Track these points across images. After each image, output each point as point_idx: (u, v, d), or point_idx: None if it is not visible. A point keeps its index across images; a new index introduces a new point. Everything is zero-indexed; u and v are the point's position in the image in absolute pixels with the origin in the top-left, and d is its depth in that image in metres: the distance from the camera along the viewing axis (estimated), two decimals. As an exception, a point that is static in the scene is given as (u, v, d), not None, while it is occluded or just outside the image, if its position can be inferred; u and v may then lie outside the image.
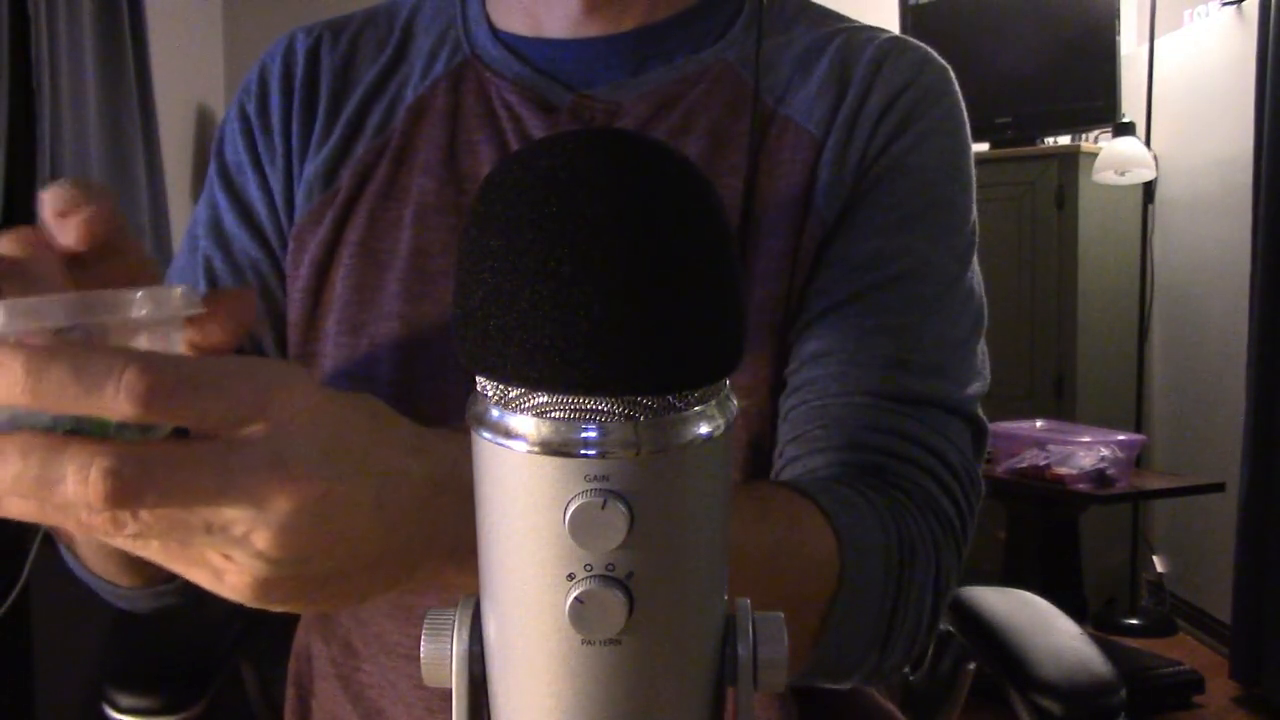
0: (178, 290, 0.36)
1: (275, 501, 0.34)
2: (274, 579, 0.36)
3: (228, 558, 0.35)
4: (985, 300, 0.72)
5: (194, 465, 0.33)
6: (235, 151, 0.76)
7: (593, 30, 0.74)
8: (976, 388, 0.68)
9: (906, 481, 0.63)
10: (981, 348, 0.71)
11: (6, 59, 2.41)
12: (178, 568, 0.37)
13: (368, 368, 0.69)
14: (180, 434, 0.34)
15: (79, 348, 0.32)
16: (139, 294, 0.35)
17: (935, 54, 0.75)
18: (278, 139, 0.75)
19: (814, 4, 0.79)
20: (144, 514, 0.33)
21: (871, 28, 0.76)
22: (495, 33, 0.76)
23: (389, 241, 0.71)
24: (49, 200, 0.39)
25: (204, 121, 3.53)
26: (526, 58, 0.75)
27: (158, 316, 0.36)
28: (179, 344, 0.38)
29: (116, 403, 0.31)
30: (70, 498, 0.32)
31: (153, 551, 0.36)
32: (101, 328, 0.35)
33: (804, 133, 0.70)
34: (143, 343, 0.36)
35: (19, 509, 0.33)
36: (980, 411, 0.69)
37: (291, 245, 0.73)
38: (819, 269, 0.67)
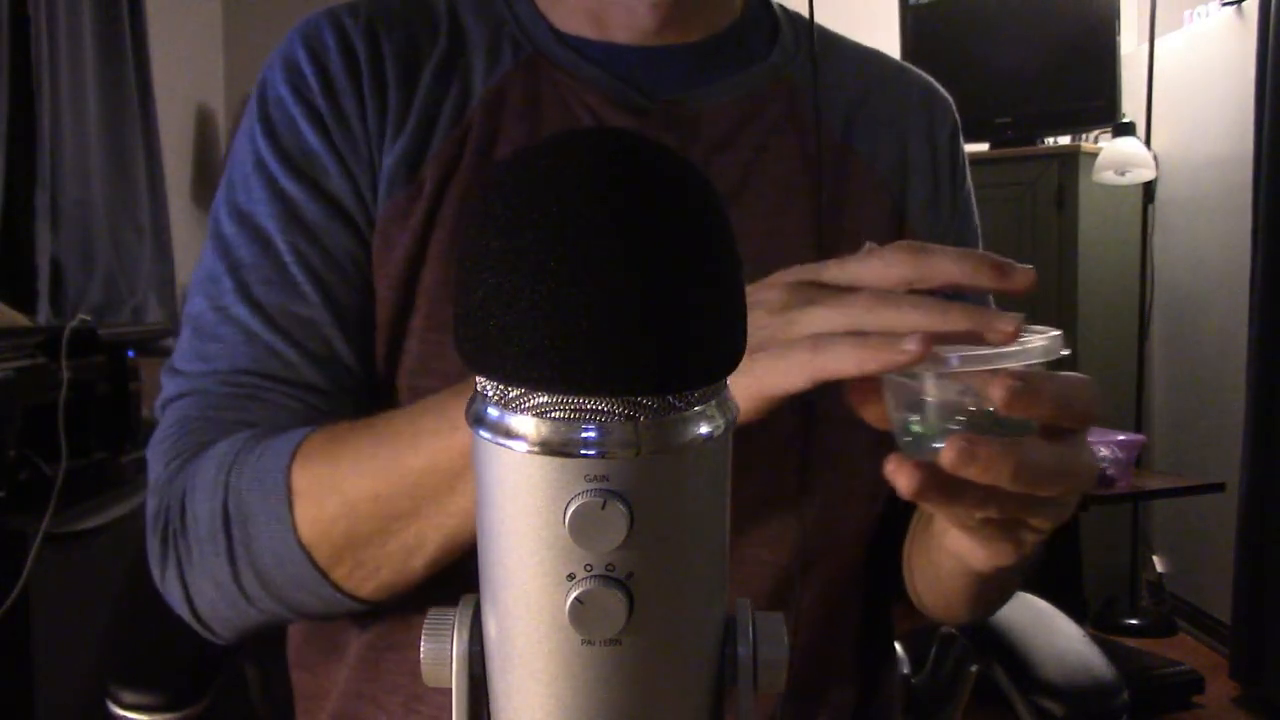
0: (1052, 334, 0.48)
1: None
2: None
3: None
4: None
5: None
6: (305, 140, 0.71)
7: (662, 39, 0.74)
8: None
9: None
10: None
11: (6, 59, 2.41)
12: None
13: (456, 363, 0.68)
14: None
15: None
16: (1035, 341, 0.47)
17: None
18: (355, 125, 0.71)
19: (817, 24, 0.80)
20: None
21: (873, 54, 0.83)
22: (556, 33, 0.74)
23: None
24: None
25: (204, 121, 3.53)
26: (596, 60, 0.73)
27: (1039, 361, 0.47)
28: None
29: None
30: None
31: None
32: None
33: (877, 178, 0.76)
34: None
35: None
36: None
37: (377, 241, 0.70)
38: None
